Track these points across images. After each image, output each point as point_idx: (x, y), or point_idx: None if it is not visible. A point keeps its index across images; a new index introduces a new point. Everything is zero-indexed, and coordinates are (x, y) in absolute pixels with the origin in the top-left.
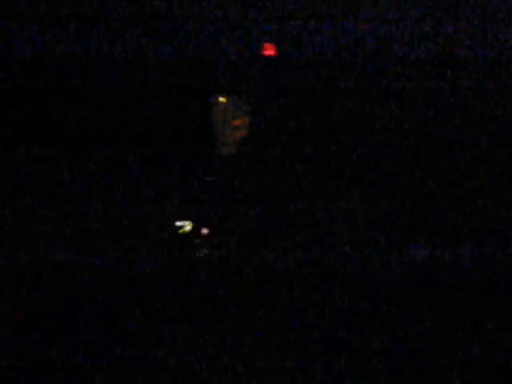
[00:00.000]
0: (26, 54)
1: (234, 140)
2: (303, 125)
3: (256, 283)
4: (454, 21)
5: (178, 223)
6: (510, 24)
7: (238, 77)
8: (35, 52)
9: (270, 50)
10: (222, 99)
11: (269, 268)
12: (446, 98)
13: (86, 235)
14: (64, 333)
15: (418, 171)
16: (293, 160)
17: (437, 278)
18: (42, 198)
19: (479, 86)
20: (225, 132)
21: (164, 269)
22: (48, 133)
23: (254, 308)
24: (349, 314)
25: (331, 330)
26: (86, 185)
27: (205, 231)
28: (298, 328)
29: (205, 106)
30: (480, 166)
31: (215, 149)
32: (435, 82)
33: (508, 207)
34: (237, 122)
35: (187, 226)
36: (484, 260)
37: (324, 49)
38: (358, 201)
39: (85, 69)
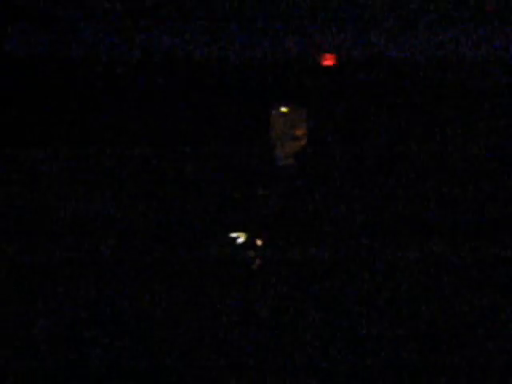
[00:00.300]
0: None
1: (293, 151)
2: (363, 135)
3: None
4: None
5: (233, 234)
6: None
7: (299, 86)
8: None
9: (329, 60)
10: (282, 109)
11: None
12: None
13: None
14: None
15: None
16: (351, 170)
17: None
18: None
19: None
20: (284, 142)
21: (219, 280)
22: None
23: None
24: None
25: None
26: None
27: (259, 243)
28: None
29: (264, 115)
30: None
31: (273, 159)
32: None
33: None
34: (297, 133)
35: (242, 237)
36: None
37: (391, 54)
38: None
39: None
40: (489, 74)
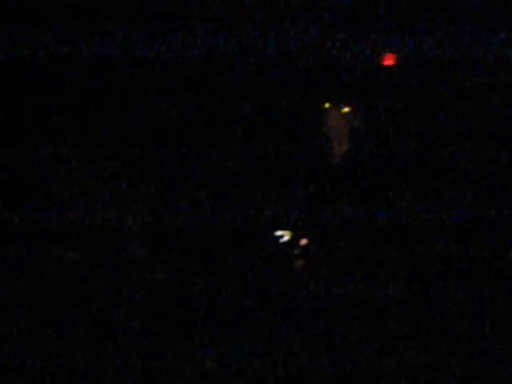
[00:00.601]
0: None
1: (348, 149)
2: (419, 133)
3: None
4: None
5: (278, 233)
6: None
7: (355, 85)
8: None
9: (389, 60)
10: (339, 106)
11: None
12: None
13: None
14: None
15: None
16: (405, 167)
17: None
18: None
19: None
20: (338, 140)
21: (261, 279)
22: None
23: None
24: None
25: None
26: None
27: (304, 241)
28: None
29: (320, 113)
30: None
31: (326, 157)
32: None
33: None
34: (353, 131)
35: (286, 235)
36: None
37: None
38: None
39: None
40: None
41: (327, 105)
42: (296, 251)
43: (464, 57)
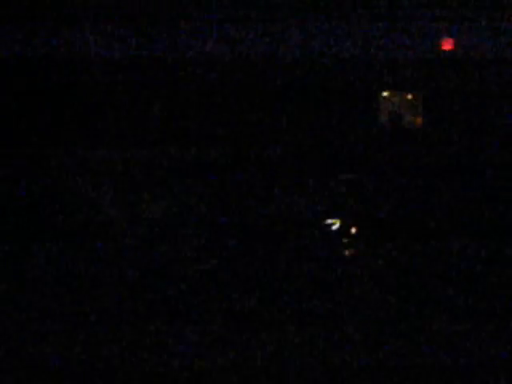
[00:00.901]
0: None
1: (404, 139)
2: (475, 126)
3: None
4: None
5: (329, 221)
6: None
7: (411, 76)
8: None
9: (448, 45)
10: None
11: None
12: None
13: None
14: None
15: None
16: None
17: None
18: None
19: None
20: (395, 129)
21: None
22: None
23: None
24: None
25: None
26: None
27: (354, 230)
28: None
29: (373, 104)
30: None
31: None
32: None
33: None
34: (409, 120)
35: (336, 223)
36: None
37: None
38: None
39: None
40: None
41: (383, 94)
42: (345, 239)
43: None
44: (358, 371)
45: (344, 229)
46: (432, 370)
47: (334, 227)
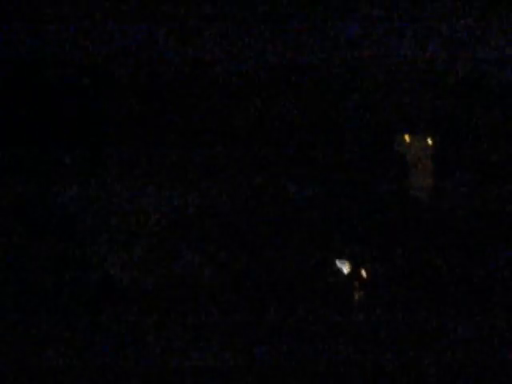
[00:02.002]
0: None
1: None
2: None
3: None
4: None
5: (338, 263)
6: None
7: (422, 115)
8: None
9: None
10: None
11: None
12: None
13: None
14: None
15: None
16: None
17: None
18: None
19: None
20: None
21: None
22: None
23: None
24: None
25: None
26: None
27: (363, 273)
28: None
29: (388, 145)
30: None
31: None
32: None
33: None
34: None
35: (346, 266)
36: None
37: None
38: None
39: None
40: None
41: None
42: (355, 283)
43: None
44: None
45: (354, 272)
46: None
47: (344, 270)
